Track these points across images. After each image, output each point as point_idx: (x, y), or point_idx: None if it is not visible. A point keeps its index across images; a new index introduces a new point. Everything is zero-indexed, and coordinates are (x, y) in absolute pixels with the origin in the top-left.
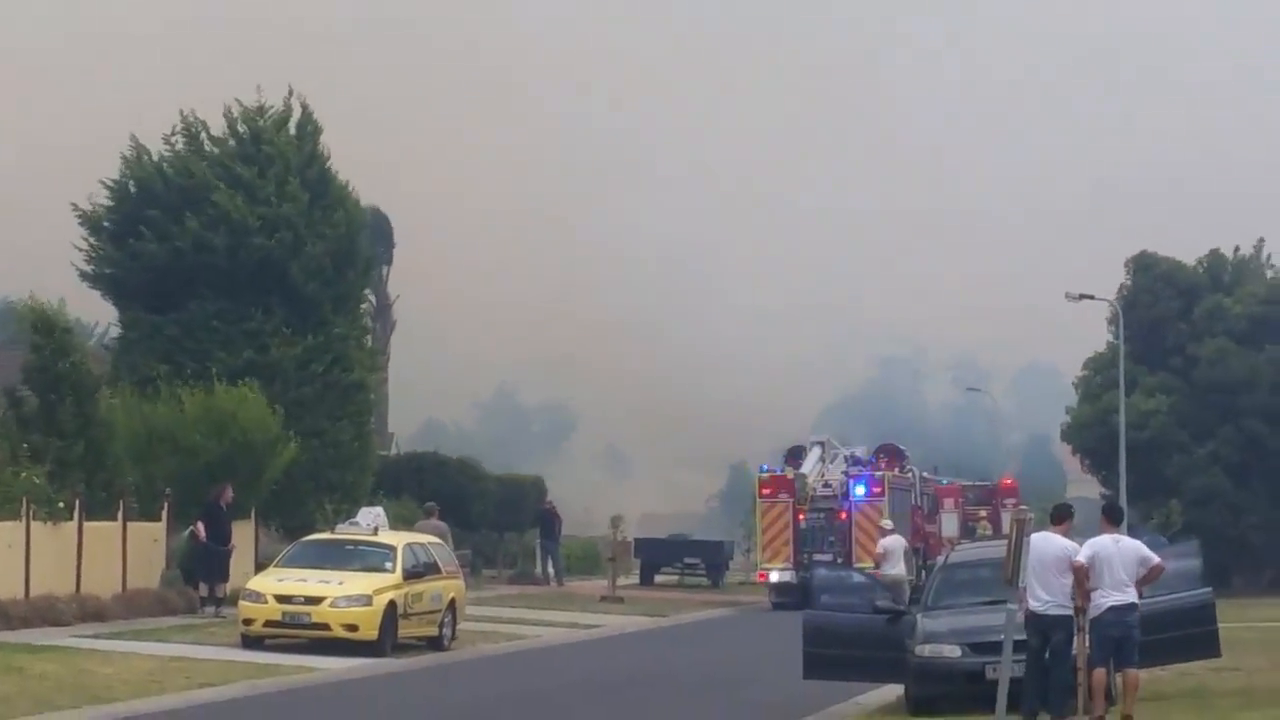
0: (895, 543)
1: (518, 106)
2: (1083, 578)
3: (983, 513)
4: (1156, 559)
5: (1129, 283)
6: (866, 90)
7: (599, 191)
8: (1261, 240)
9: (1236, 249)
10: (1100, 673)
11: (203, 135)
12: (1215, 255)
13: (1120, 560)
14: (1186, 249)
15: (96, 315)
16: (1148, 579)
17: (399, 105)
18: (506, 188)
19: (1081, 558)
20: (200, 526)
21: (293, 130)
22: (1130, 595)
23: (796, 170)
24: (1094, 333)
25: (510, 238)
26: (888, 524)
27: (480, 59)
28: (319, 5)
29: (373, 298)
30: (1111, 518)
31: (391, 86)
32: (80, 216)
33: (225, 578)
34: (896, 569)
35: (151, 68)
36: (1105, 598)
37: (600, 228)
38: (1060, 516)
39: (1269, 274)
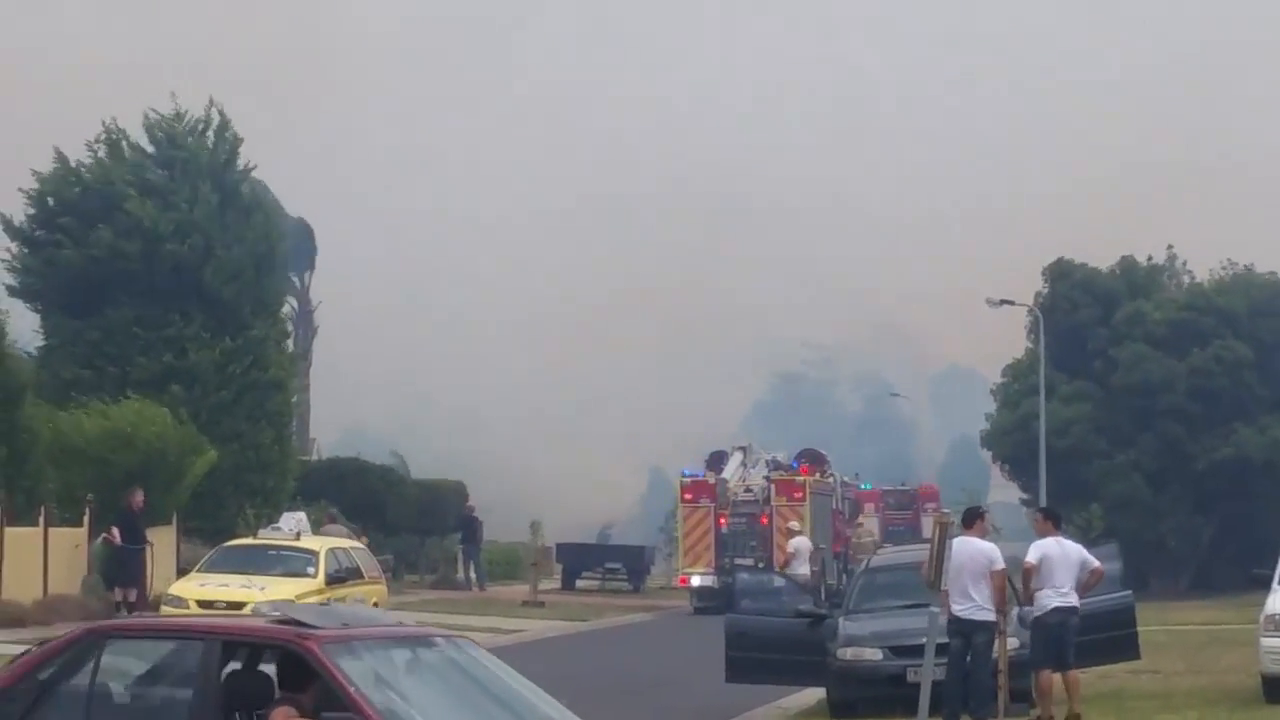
0: (803, 543)
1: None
2: (1030, 578)
3: (861, 520)
4: (1096, 563)
5: (1046, 290)
6: (789, 90)
7: (526, 191)
8: (1171, 247)
9: (1149, 258)
10: (1047, 673)
11: (123, 143)
12: (1128, 262)
13: (1064, 563)
14: (1099, 256)
15: (28, 325)
16: (1088, 583)
17: (326, 114)
18: (428, 192)
19: (1031, 559)
20: (114, 532)
21: (211, 138)
22: (1072, 598)
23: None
24: (1013, 339)
25: (434, 240)
26: (795, 525)
27: (404, 74)
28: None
29: (295, 303)
30: (1054, 521)
31: (316, 93)
32: (4, 227)
33: (137, 582)
34: (803, 569)
35: (83, 76)
36: (1049, 599)
37: (521, 225)
38: (971, 519)
39: (1186, 280)
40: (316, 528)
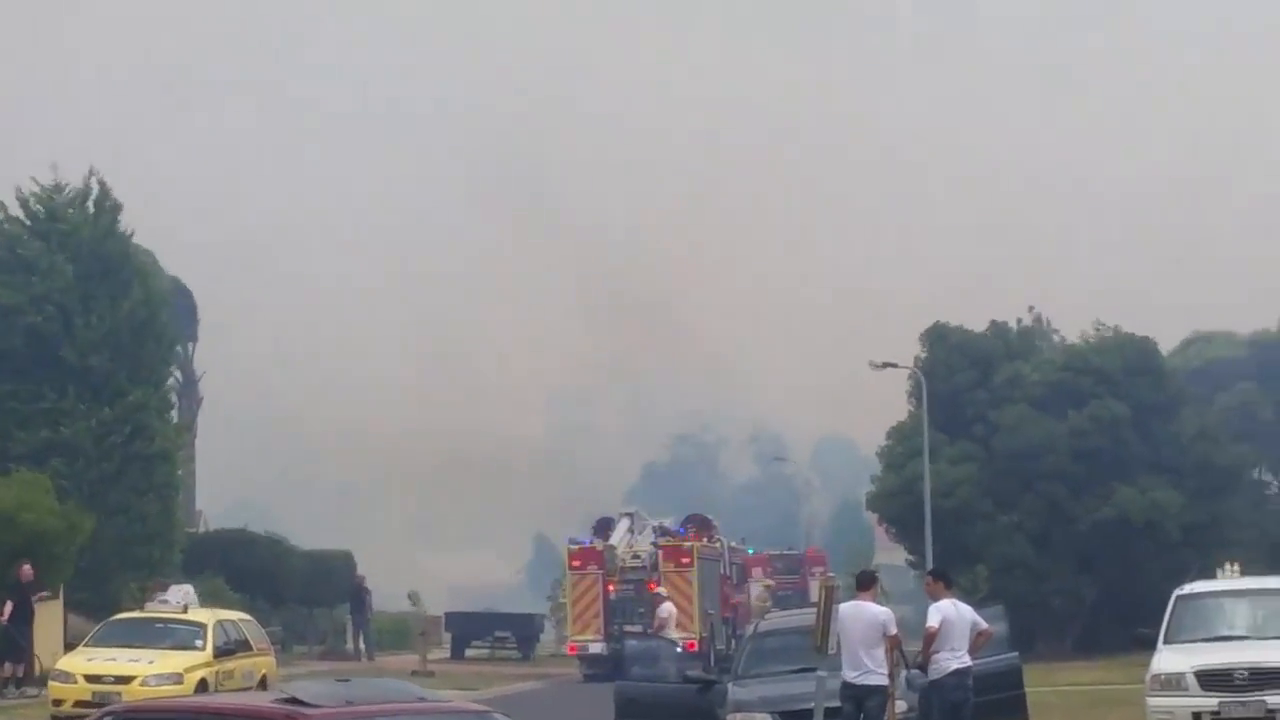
0: (670, 609)
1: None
2: (931, 641)
3: (767, 582)
4: (986, 625)
5: (925, 354)
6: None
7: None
8: (1033, 309)
9: (1019, 320)
10: None
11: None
12: (998, 326)
13: (959, 625)
14: (970, 319)
15: None
16: (977, 644)
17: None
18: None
19: (933, 622)
20: (7, 607)
21: (91, 208)
22: (967, 660)
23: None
24: (893, 404)
25: (321, 313)
26: (663, 591)
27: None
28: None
29: (179, 374)
30: (946, 582)
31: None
32: None
33: (25, 657)
34: (672, 634)
35: None
36: (948, 661)
37: (406, 290)
38: (866, 583)
39: (1055, 339)
40: (219, 598)
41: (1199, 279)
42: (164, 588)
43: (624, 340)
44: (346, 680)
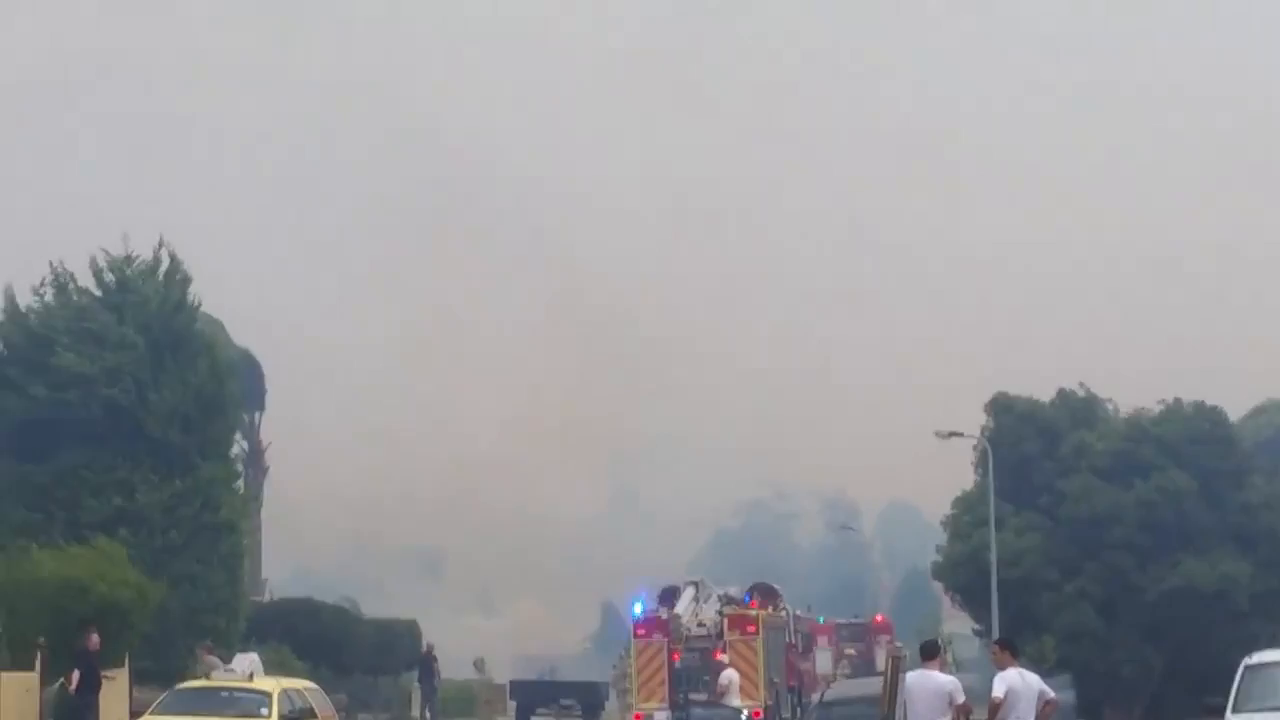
0: (732, 675)
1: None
2: (997, 711)
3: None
4: (1053, 694)
5: (990, 424)
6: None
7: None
8: (1083, 384)
9: (1082, 383)
10: None
11: (70, 286)
12: (1064, 394)
13: (1026, 694)
14: (1033, 389)
15: None
16: (1044, 714)
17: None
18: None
19: (998, 692)
20: (74, 676)
21: (161, 279)
22: None
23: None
24: (958, 473)
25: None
26: (726, 659)
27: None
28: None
29: (245, 444)
30: (1013, 651)
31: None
32: None
33: None
34: (735, 701)
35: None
36: None
37: (469, 355)
38: (931, 652)
39: (1109, 408)
40: (286, 668)
41: (1267, 345)
42: (211, 650)
43: (690, 406)
44: None
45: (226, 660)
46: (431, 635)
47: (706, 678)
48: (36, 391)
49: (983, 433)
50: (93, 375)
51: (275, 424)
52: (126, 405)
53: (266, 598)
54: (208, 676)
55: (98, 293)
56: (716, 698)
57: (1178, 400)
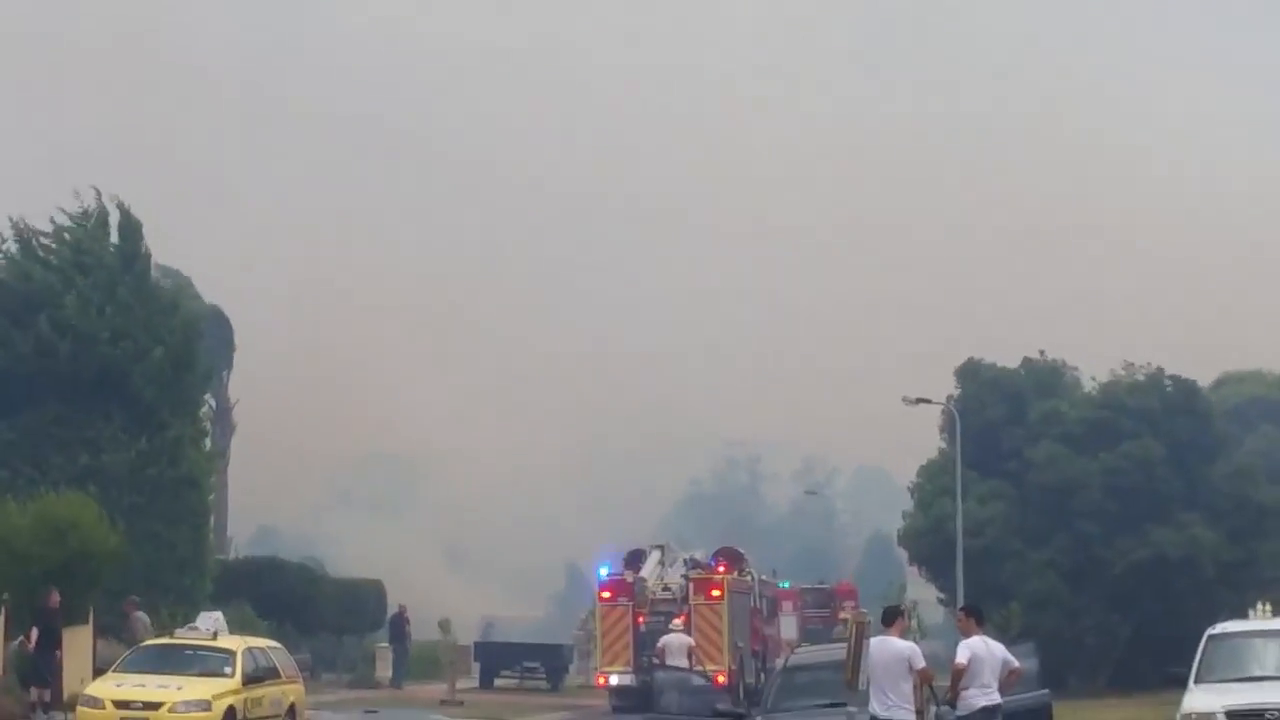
0: (673, 640)
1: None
2: (960, 677)
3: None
4: (1017, 663)
5: (958, 391)
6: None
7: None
8: (1043, 352)
9: (1042, 352)
10: None
11: (34, 242)
12: (1030, 362)
13: (989, 661)
14: (1003, 356)
15: None
16: (1008, 682)
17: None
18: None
19: (961, 658)
20: (33, 633)
21: (115, 236)
22: (996, 697)
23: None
24: (926, 438)
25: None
26: (677, 624)
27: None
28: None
29: (212, 401)
30: (978, 619)
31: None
32: None
33: (52, 683)
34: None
35: None
36: (976, 698)
37: (440, 314)
38: (892, 618)
39: (1079, 377)
40: (247, 627)
41: (1229, 320)
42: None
43: (659, 367)
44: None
45: (154, 617)
46: (397, 596)
47: None
48: (5, 349)
49: (949, 400)
50: (97, 334)
51: (241, 378)
52: (122, 363)
53: (232, 556)
54: (135, 635)
55: (66, 251)
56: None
57: (1159, 370)
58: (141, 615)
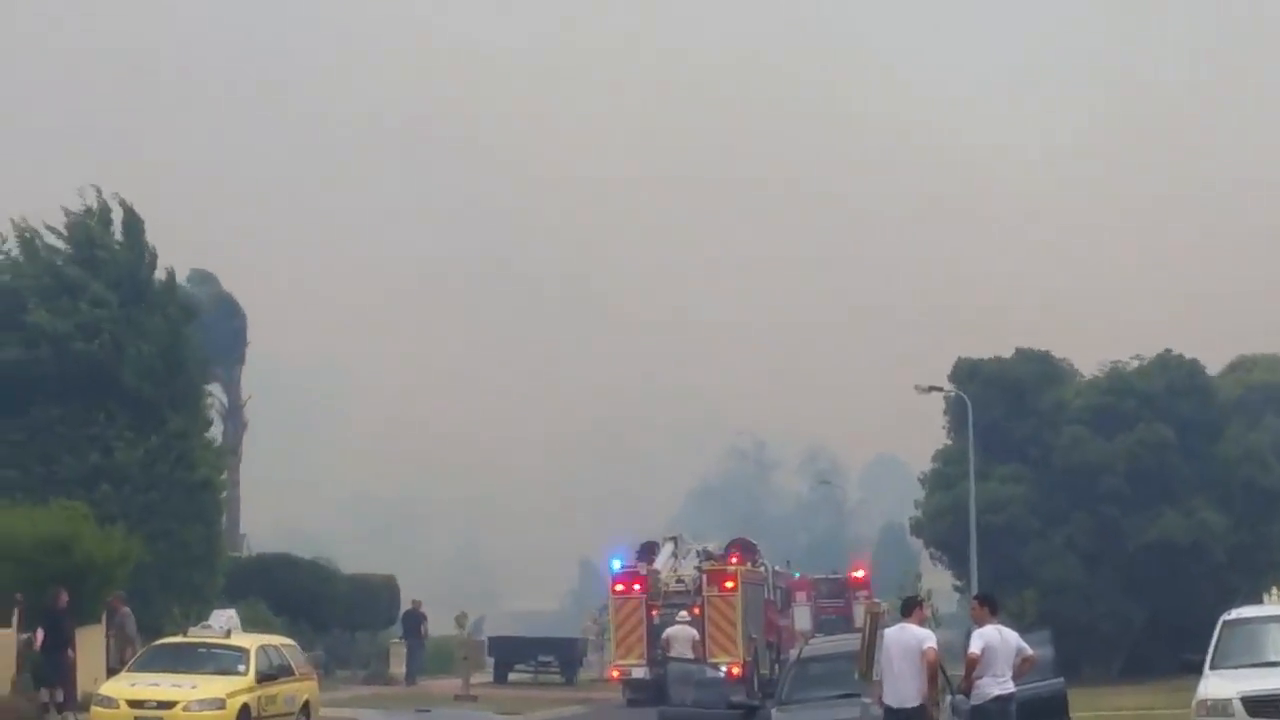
0: (676, 631)
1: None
2: (974, 667)
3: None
4: (1031, 651)
5: (953, 394)
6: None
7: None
8: (1025, 347)
9: (1024, 347)
10: None
11: (37, 242)
12: (1024, 352)
13: (1003, 651)
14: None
15: None
16: (1021, 670)
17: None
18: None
19: (975, 648)
20: (39, 634)
21: (119, 233)
22: (1010, 686)
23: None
24: (939, 426)
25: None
26: (684, 616)
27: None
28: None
29: (224, 398)
30: (992, 608)
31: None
32: None
33: (64, 682)
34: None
35: None
36: (989, 687)
37: (452, 316)
38: (911, 608)
39: (1066, 366)
40: (260, 625)
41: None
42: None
43: (672, 360)
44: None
45: (135, 612)
46: (413, 591)
47: None
48: (9, 348)
49: (958, 386)
50: (66, 331)
51: (255, 375)
52: (102, 360)
53: (245, 553)
54: (124, 630)
55: (68, 248)
56: (664, 653)
57: (1168, 351)
58: (127, 611)
